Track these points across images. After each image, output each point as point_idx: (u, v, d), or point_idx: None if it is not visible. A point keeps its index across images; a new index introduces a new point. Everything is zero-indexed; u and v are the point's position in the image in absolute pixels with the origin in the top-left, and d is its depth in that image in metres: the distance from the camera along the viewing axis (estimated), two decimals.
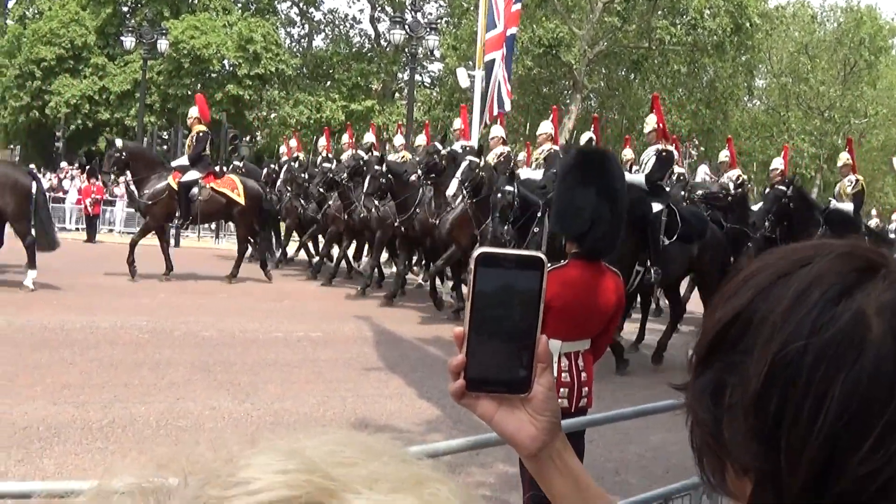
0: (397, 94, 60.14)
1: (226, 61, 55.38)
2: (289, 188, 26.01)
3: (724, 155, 20.64)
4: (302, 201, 25.50)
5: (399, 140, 26.57)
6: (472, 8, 44.68)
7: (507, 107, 22.89)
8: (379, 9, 61.11)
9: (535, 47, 44.00)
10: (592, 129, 19.47)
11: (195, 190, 21.48)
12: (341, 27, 63.02)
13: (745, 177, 21.56)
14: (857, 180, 18.29)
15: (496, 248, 1.41)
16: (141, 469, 0.67)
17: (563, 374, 5.50)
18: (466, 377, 1.39)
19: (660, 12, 45.44)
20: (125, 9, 58.03)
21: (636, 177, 15.12)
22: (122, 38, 47.10)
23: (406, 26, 34.76)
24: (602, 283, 5.60)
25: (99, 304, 16.87)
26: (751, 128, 59.74)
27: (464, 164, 17.19)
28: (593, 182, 5.54)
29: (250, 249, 23.60)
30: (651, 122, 16.60)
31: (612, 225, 5.57)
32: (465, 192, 16.98)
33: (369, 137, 26.35)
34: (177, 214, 21.86)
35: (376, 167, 19.77)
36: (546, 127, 19.73)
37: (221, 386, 11.42)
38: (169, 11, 55.96)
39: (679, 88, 51.77)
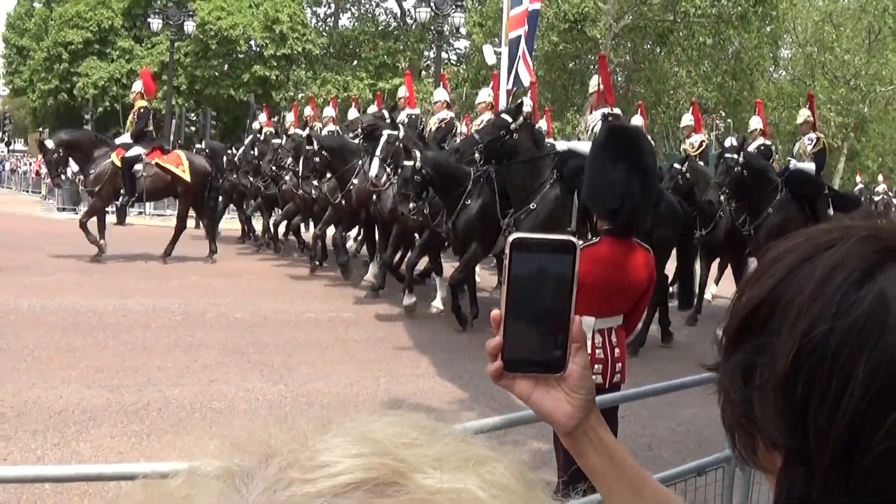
0: (424, 72, 60.13)
1: (252, 42, 55.53)
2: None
3: (686, 119, 19.88)
4: (252, 179, 24.70)
5: (329, 112, 24.69)
6: None
7: (526, 83, 22.62)
8: None
9: (560, 22, 43.85)
10: (639, 112, 19.18)
11: (139, 166, 20.88)
12: (367, 6, 63.18)
13: (707, 140, 20.89)
14: (819, 138, 17.28)
15: (530, 234, 1.44)
16: (220, 451, 0.71)
17: (596, 351, 5.52)
18: (504, 359, 1.43)
19: None
20: None
21: (582, 145, 14.36)
22: (148, 20, 47.37)
23: (432, 4, 34.73)
24: (633, 259, 5.60)
25: (130, 286, 16.98)
26: (777, 98, 59.48)
27: (381, 140, 16.12)
28: (623, 158, 5.54)
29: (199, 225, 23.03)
30: (593, 83, 16.39)
31: (642, 201, 5.57)
32: (388, 169, 15.94)
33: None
34: (122, 192, 21.09)
35: (307, 147, 18.72)
36: (483, 95, 19.17)
37: (254, 367, 11.48)
38: None
39: (705, 60, 51.55)
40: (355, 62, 58.74)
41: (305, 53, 55.42)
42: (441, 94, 20.07)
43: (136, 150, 20.95)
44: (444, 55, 44.63)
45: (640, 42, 50.55)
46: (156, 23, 44.60)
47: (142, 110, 21.63)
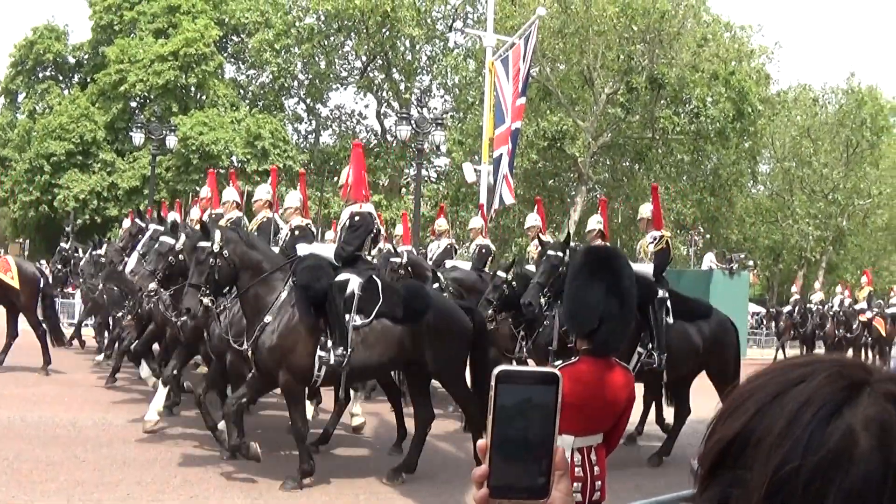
0: (404, 189, 60.46)
1: (234, 157, 55.75)
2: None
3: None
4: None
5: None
6: (476, 103, 45.21)
7: (508, 202, 22.82)
8: (385, 104, 61.71)
9: (539, 140, 44.30)
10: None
11: None
12: (348, 123, 63.65)
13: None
14: (661, 237, 15.04)
15: (514, 367, 1.52)
16: None
17: (576, 469, 5.57)
18: (490, 485, 1.49)
19: (663, 102, 45.80)
20: (134, 104, 58.64)
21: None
22: (131, 133, 47.60)
23: (412, 122, 35.03)
24: (612, 378, 5.69)
25: (110, 399, 16.92)
26: (755, 213, 60.05)
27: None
28: (602, 280, 5.67)
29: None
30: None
31: (621, 322, 5.69)
32: None
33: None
34: None
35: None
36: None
37: (234, 483, 11.43)
38: (177, 107, 56.72)
39: (683, 177, 52.04)
40: (336, 178, 58.92)
41: (287, 169, 55.76)
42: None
43: None
44: (424, 172, 44.96)
45: (618, 159, 51.09)
46: (138, 136, 44.72)
47: None
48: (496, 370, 1.48)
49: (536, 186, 48.96)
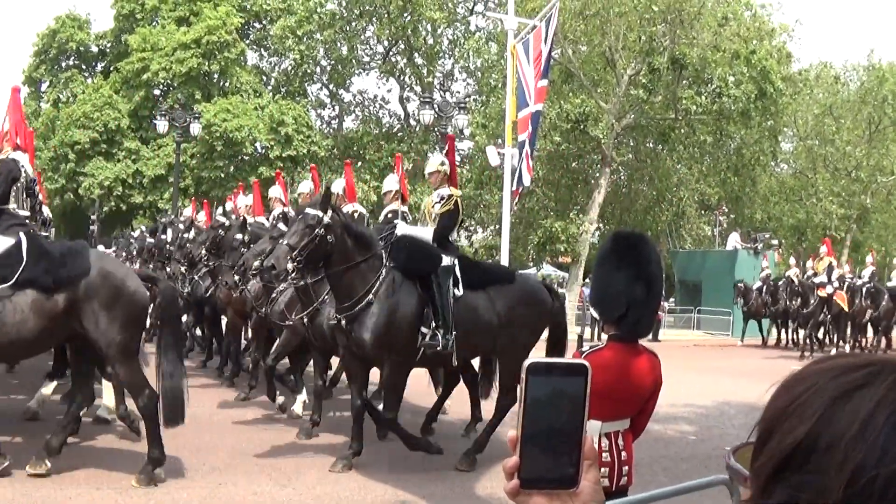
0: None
1: (258, 144, 55.87)
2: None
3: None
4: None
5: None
6: (499, 86, 45.11)
7: (527, 182, 22.71)
8: (408, 89, 61.79)
9: (562, 122, 44.15)
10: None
11: None
12: (371, 108, 63.77)
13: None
14: (450, 196, 12.78)
15: (545, 358, 1.52)
16: None
17: (603, 454, 5.58)
18: (520, 477, 1.50)
19: (685, 82, 45.61)
20: (157, 92, 58.93)
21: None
22: (154, 121, 47.79)
23: (435, 106, 35.04)
24: (638, 363, 5.70)
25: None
26: (779, 192, 59.88)
27: None
28: (629, 265, 5.66)
29: None
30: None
31: (648, 307, 5.69)
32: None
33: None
34: None
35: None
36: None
37: (262, 470, 11.48)
38: (201, 95, 56.88)
39: (706, 157, 51.89)
40: (360, 163, 59.16)
41: (311, 155, 55.80)
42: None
43: None
44: None
45: (641, 140, 50.92)
46: (162, 124, 44.99)
47: None
48: (526, 362, 1.48)
49: (560, 169, 48.92)
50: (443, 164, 13.19)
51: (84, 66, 65.02)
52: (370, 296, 11.17)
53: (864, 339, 33.78)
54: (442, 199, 12.83)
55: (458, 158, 60.16)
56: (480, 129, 47.10)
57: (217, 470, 11.36)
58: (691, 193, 52.65)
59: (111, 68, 61.14)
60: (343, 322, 11.22)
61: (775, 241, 51.04)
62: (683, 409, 16.39)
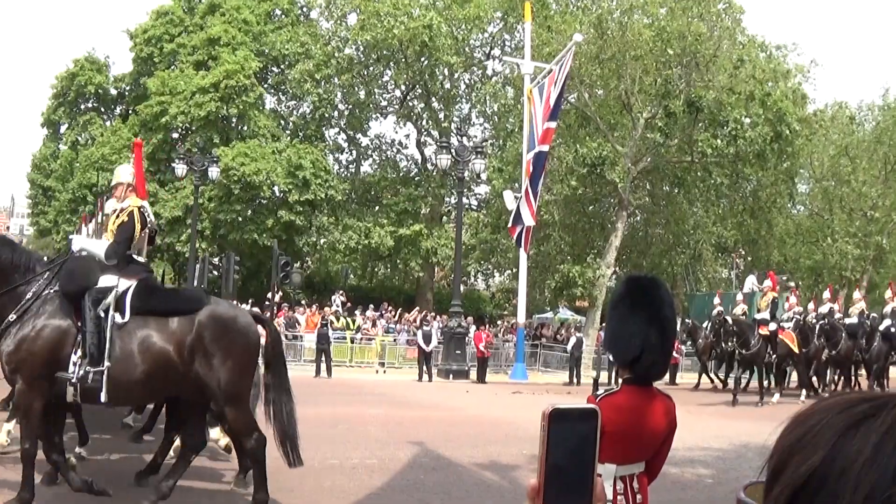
0: (445, 218, 60.59)
1: (276, 187, 56.11)
2: None
3: None
4: None
5: None
6: (516, 130, 45.31)
7: (528, 222, 22.70)
8: (425, 133, 62.19)
9: (579, 167, 44.29)
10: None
11: None
12: (388, 152, 64.23)
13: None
14: (129, 206, 11.37)
15: (565, 405, 1.55)
16: None
17: (618, 497, 5.59)
18: None
19: (701, 125, 45.70)
20: (175, 135, 59.37)
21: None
22: (173, 164, 48.08)
23: (452, 151, 35.15)
24: (652, 407, 5.72)
25: None
26: (795, 234, 59.80)
27: None
28: (643, 308, 5.70)
29: None
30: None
31: (662, 350, 5.73)
32: None
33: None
34: None
35: None
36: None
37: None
38: (219, 138, 57.41)
39: (722, 200, 51.94)
40: (377, 208, 59.29)
41: (328, 199, 55.97)
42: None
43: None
44: (464, 200, 45.05)
45: (658, 184, 51.01)
46: (180, 168, 45.32)
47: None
48: (550, 409, 1.52)
49: (577, 213, 49.03)
50: (131, 174, 11.77)
51: (102, 109, 65.67)
52: (13, 315, 9.92)
53: (823, 382, 33.08)
54: (115, 211, 11.48)
55: (474, 202, 60.69)
56: (497, 174, 47.31)
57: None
58: (708, 236, 52.67)
59: (130, 111, 61.71)
60: None
61: (792, 283, 50.88)
62: (701, 452, 16.33)
